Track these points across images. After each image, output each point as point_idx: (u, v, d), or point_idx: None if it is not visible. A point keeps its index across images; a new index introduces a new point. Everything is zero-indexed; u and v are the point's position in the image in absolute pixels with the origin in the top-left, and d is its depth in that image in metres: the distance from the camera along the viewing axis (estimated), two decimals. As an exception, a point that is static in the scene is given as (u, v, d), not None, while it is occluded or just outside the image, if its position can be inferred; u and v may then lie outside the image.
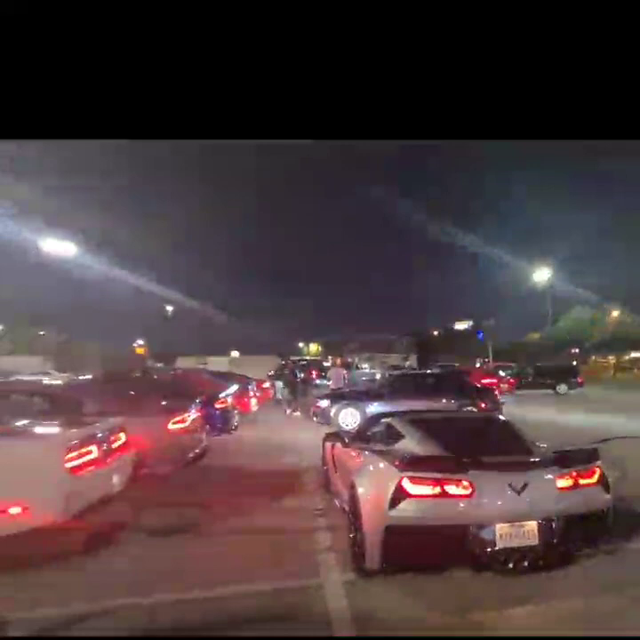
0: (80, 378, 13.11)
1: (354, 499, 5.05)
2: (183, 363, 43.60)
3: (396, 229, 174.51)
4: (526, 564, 4.52)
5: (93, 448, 5.43)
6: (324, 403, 16.17)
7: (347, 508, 5.84)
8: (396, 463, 4.64)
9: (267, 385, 22.96)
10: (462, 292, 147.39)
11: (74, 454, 5.08)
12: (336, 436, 7.22)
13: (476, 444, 5.20)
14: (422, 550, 4.48)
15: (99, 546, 5.65)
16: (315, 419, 16.46)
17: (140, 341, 69.34)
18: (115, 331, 71.65)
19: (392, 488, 4.48)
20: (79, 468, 5.13)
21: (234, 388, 14.15)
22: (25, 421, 5.86)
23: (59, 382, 11.02)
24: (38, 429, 5.52)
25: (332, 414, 15.61)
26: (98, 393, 8.53)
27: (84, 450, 5.26)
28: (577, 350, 55.29)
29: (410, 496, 4.45)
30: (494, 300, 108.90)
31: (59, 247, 27.62)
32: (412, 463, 4.61)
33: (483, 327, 61.34)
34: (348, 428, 14.89)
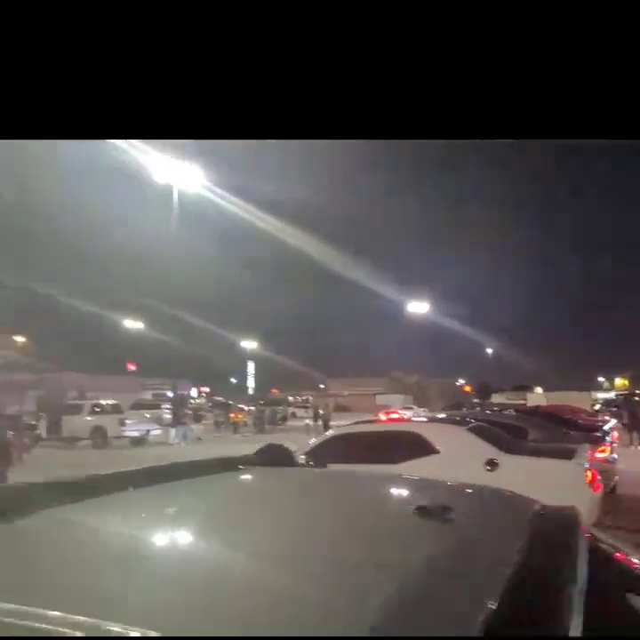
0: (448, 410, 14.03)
1: None
2: (496, 398, 43.47)
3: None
4: None
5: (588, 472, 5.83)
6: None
7: None
8: None
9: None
10: None
11: (588, 473, 5.55)
12: None
13: None
14: None
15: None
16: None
17: (462, 380, 74.03)
18: (441, 370, 77.85)
19: None
20: (592, 485, 5.58)
21: (613, 421, 13.63)
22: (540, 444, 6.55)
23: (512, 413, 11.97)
24: (556, 452, 6.13)
25: None
26: (530, 424, 9.05)
27: (588, 470, 5.70)
28: None
29: None
30: None
31: (417, 308, 30.74)
32: None
33: None
34: None
